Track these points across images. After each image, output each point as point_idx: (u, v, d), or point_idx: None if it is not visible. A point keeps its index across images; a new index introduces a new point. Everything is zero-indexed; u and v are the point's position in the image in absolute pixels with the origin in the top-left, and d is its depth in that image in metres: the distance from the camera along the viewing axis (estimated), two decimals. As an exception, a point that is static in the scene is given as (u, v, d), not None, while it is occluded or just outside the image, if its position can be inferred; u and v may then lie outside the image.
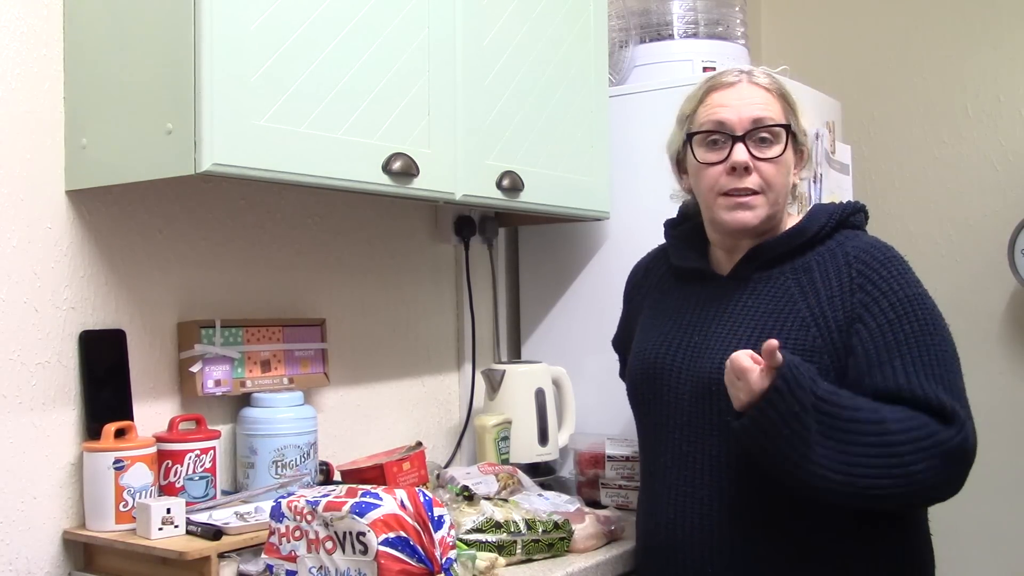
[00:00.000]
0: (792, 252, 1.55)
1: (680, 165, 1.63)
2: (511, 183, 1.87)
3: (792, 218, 1.61)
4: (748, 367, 1.36)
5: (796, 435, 1.34)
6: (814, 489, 1.37)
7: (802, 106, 1.59)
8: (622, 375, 1.81)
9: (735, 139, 1.51)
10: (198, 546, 1.42)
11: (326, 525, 1.34)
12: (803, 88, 2.20)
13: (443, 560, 1.36)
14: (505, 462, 2.03)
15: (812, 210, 1.59)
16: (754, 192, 1.51)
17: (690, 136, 1.57)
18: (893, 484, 1.35)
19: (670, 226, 1.72)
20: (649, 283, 1.75)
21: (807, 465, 1.35)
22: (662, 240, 1.75)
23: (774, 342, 1.33)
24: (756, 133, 1.51)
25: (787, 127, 1.53)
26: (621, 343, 1.82)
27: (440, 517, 1.38)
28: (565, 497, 1.85)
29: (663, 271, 1.73)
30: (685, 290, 1.64)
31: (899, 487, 1.35)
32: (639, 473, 1.70)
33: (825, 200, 2.16)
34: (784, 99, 1.56)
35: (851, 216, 1.57)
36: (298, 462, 1.73)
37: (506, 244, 2.42)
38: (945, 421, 1.37)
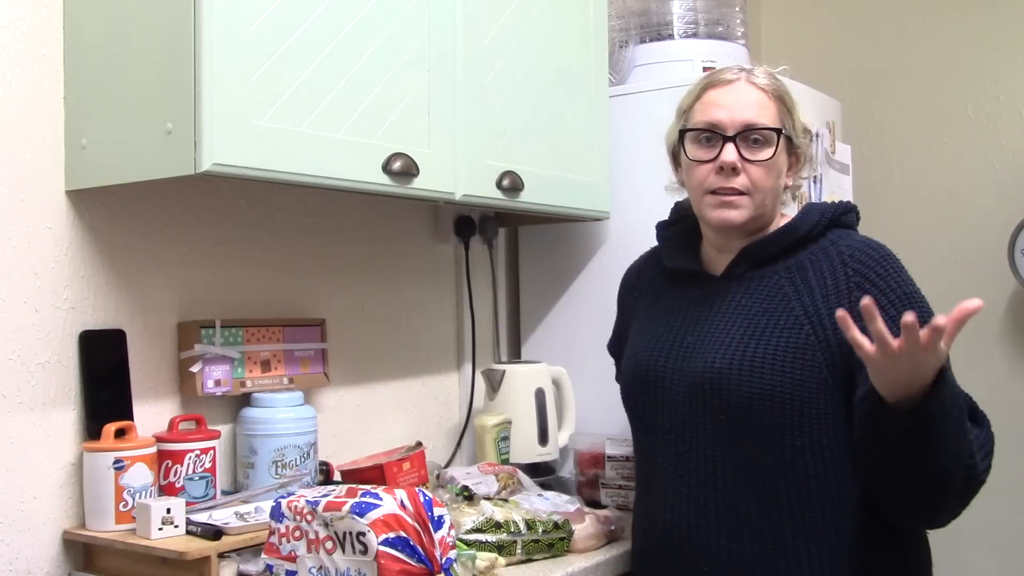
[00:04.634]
0: (784, 251, 1.55)
1: (676, 158, 1.63)
2: (511, 183, 1.87)
3: (786, 218, 1.61)
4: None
5: (960, 410, 1.32)
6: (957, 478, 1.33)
7: (801, 107, 1.58)
8: (618, 379, 1.80)
9: (726, 139, 1.51)
10: (198, 546, 1.42)
11: (326, 525, 1.34)
12: (803, 88, 2.20)
13: (443, 560, 1.36)
14: (505, 462, 2.03)
15: (804, 209, 1.59)
16: (740, 192, 1.51)
17: (683, 132, 1.57)
18: (958, 478, 1.34)
19: (662, 228, 1.72)
20: (642, 286, 1.74)
21: (965, 443, 1.32)
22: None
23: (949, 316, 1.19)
24: (748, 135, 1.51)
25: (779, 131, 1.52)
26: (616, 347, 1.82)
27: (440, 517, 1.38)
28: (565, 497, 1.85)
29: (655, 274, 1.72)
30: (677, 292, 1.64)
31: (963, 481, 1.34)
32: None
33: (825, 200, 2.16)
34: (782, 101, 1.55)
35: (843, 215, 1.57)
36: (298, 462, 1.73)
37: (506, 244, 2.42)
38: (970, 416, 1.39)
